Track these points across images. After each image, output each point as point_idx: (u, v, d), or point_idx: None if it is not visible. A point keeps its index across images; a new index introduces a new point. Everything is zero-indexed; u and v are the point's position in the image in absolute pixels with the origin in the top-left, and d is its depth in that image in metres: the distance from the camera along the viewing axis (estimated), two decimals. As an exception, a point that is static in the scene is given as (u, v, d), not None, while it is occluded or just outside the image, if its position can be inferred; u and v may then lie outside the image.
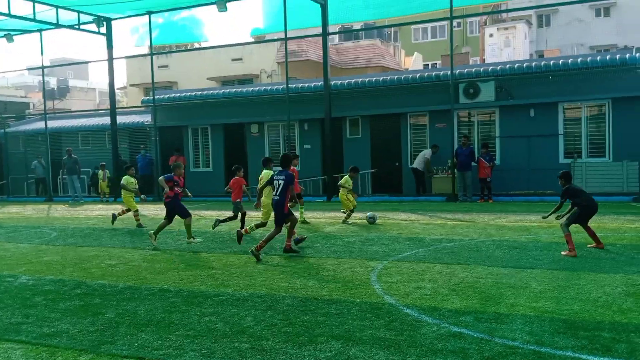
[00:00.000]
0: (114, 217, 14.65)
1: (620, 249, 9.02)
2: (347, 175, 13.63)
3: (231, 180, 12.84)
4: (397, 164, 20.37)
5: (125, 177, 14.75)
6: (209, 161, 23.54)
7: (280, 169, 9.68)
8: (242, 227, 12.07)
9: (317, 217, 14.65)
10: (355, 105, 20.70)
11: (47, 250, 11.20)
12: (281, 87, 21.73)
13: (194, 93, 23.85)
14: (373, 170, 20.56)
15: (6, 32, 24.11)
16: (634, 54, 17.41)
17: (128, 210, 14.85)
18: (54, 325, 6.15)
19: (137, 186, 14.79)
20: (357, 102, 20.66)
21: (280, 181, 9.45)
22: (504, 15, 42.62)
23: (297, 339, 5.44)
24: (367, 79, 21.00)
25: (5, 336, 5.85)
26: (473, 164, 17.87)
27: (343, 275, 7.96)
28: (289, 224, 9.68)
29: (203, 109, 23.23)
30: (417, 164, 19.23)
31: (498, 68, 18.94)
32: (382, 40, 36.18)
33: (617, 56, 17.55)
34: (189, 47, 33.09)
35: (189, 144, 23.81)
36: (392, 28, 44.06)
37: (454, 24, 22.03)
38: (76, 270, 9.09)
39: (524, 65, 18.69)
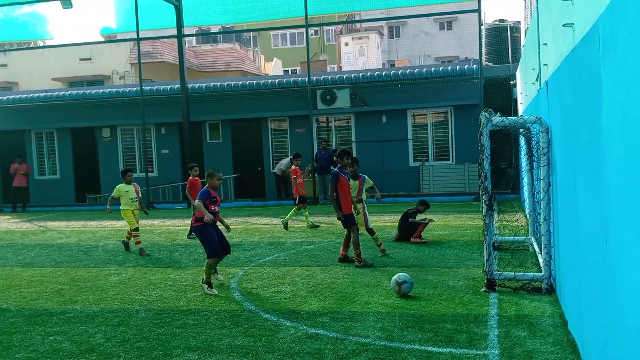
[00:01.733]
0: (126, 244, 10.78)
1: (463, 245, 9.81)
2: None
3: (188, 180, 11.79)
4: (259, 168, 20.41)
5: (118, 186, 10.66)
6: (55, 168, 21.86)
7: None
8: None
9: (176, 225, 14.22)
10: (215, 109, 20.41)
11: None
12: (135, 89, 20.79)
13: (37, 94, 22.03)
14: (235, 175, 20.42)
15: None
16: (471, 65, 19.08)
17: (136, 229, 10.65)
18: None
19: (138, 196, 10.70)
20: (217, 106, 20.39)
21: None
22: (358, 25, 44.58)
23: (151, 353, 5.22)
24: (227, 82, 20.82)
25: None
26: (332, 168, 18.43)
27: (200, 285, 7.79)
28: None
29: (48, 112, 21.51)
30: (277, 169, 19.44)
31: (352, 76, 19.74)
32: (241, 45, 36.11)
33: (457, 67, 19.13)
34: (31, 45, 30.53)
35: (32, 150, 21.93)
36: (252, 33, 44.18)
37: (311, 31, 22.59)
38: None
39: (376, 73, 19.67)
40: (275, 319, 6.07)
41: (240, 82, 20.59)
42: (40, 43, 32.02)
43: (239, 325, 5.92)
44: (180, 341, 5.49)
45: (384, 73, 19.64)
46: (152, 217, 15.97)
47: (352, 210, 8.69)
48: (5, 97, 22.25)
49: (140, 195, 10.77)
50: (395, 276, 6.73)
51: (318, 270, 8.37)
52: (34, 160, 21.80)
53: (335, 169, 8.84)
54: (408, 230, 10.29)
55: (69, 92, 21.95)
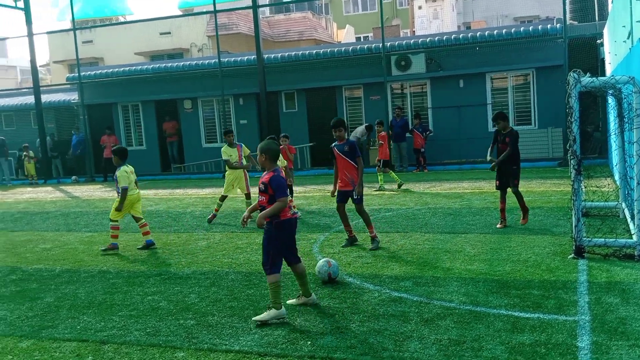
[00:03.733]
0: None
1: (547, 212, 9.55)
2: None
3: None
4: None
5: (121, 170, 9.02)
6: (142, 139, 22.91)
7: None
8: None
9: (256, 193, 14.60)
10: (290, 79, 20.60)
11: (-27, 237, 10.68)
12: (213, 61, 21.30)
13: (122, 69, 23.02)
14: (311, 144, 20.64)
15: None
16: (554, 24, 18.16)
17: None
18: (-11, 314, 5.94)
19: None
20: (292, 76, 20.57)
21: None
22: (433, -13, 43.21)
23: (243, 312, 5.50)
24: (301, 52, 20.91)
25: (-64, 328, 5.60)
26: (407, 135, 18.27)
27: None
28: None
29: (133, 85, 22.47)
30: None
31: (427, 40, 19.29)
32: (313, 13, 35.99)
33: (540, 27, 18.26)
34: (113, 21, 31.78)
35: (119, 122, 23.05)
36: (324, 0, 43.89)
37: (385, -4, 22.13)
38: (9, 256, 8.75)
39: (452, 37, 19.13)
40: (358, 283, 6.21)
41: (315, 51, 20.61)
42: (122, 19, 33.30)
43: (324, 287, 6.11)
44: (269, 301, 5.74)
45: (460, 36, 19.05)
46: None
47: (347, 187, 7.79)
48: (93, 72, 23.38)
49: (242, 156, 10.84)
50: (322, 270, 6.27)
51: (398, 236, 8.43)
52: (122, 132, 22.92)
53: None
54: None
55: (152, 66, 22.76)
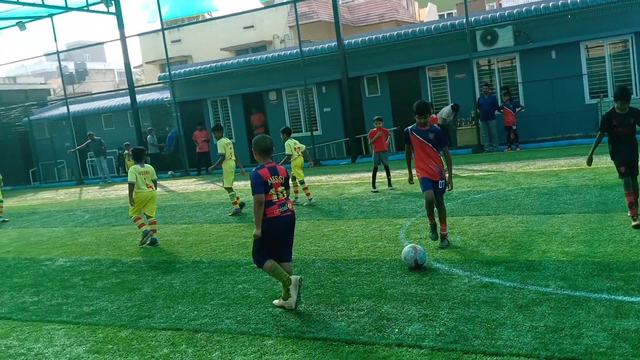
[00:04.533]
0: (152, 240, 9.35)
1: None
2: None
3: (370, 131, 12.54)
4: (418, 119, 20.12)
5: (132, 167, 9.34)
6: (231, 132, 23.59)
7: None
8: (389, 183, 12.09)
9: (342, 180, 14.65)
10: (371, 63, 20.39)
11: (81, 232, 11.46)
12: (295, 51, 21.49)
13: (210, 65, 23.76)
14: (395, 128, 20.36)
15: (18, 20, 24.21)
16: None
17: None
18: (93, 304, 6.32)
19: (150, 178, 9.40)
20: (374, 60, 20.34)
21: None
22: (519, -45, 41.10)
23: (329, 300, 5.49)
24: (382, 34, 20.59)
25: (47, 318, 6.03)
26: (497, 112, 17.55)
27: (371, 235, 7.97)
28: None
29: (220, 81, 23.16)
30: (438, 118, 18.97)
31: (515, 11, 18.36)
32: (394, -6, 35.32)
33: (640, -13, 16.86)
34: (200, 19, 32.80)
35: (209, 117, 23.85)
36: (404, -20, 42.89)
37: (467, -31, 21.28)
38: (111, 250, 9.29)
39: (541, 6, 18.06)
40: (447, 268, 6.03)
41: (396, 32, 20.23)
42: (207, 16, 34.33)
43: (411, 274, 5.98)
44: (355, 289, 5.70)
45: (550, 4, 17.97)
46: (320, 172, 16.64)
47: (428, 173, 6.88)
48: (182, 70, 24.31)
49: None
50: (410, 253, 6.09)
51: (488, 219, 8.11)
52: (212, 127, 23.68)
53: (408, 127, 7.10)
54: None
55: (237, 60, 23.32)
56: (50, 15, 24.40)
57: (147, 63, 36.09)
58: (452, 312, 4.76)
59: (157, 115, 26.36)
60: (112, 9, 23.44)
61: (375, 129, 12.19)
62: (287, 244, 5.53)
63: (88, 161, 26.72)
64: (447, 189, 6.97)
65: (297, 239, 8.29)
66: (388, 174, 12.21)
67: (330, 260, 6.92)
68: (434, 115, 13.52)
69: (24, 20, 24.31)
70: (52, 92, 39.54)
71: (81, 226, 12.24)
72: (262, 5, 29.75)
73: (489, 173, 12.65)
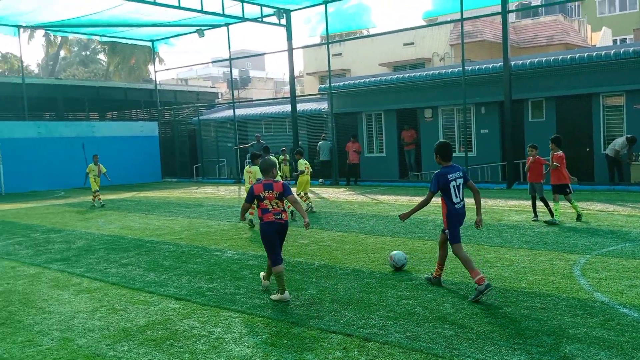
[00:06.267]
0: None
1: None
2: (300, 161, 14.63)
3: (528, 160, 11.68)
4: (587, 149, 18.76)
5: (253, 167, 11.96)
6: (382, 146, 23.76)
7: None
8: (551, 215, 11.07)
9: (498, 205, 14.07)
10: (538, 86, 19.43)
11: (244, 227, 12.15)
12: (456, 69, 21.11)
13: (368, 79, 24.16)
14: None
15: (198, 28, 26.46)
16: None
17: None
18: (263, 298, 6.65)
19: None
20: (541, 83, 19.37)
21: (459, 180, 6.73)
22: None
23: (503, 330, 5.26)
24: (553, 57, 19.54)
25: (223, 305, 6.44)
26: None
27: (541, 268, 7.53)
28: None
29: (376, 95, 23.45)
30: (610, 150, 17.57)
31: None
32: (565, 16, 33.48)
33: None
34: (357, 35, 33.55)
35: (362, 130, 24.23)
36: (577, 2, 40.49)
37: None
38: (273, 248, 9.72)
39: None
40: (636, 315, 5.50)
41: (569, 56, 19.08)
42: (365, 32, 35.00)
43: (594, 315, 5.54)
44: (531, 323, 5.41)
45: None
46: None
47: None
48: (341, 83, 24.98)
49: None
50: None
51: (679, 266, 7.29)
52: (364, 139, 24.05)
53: None
54: None
55: (395, 76, 23.47)
56: (227, 24, 26.37)
57: (308, 74, 37.62)
58: (650, 365, 4.33)
59: (312, 125, 27.34)
60: (283, 21, 24.75)
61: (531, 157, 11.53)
62: (277, 246, 6.64)
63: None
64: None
65: (458, 262, 8.06)
66: (546, 205, 11.45)
67: (498, 289, 6.63)
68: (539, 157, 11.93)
69: (203, 28, 26.53)
70: (219, 96, 42.69)
71: (244, 222, 12.97)
72: (424, 23, 29.67)
73: (672, 215, 11.41)
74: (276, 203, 6.59)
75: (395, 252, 7.94)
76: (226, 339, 5.33)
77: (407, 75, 23.06)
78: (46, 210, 17.06)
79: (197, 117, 31.05)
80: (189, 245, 10.30)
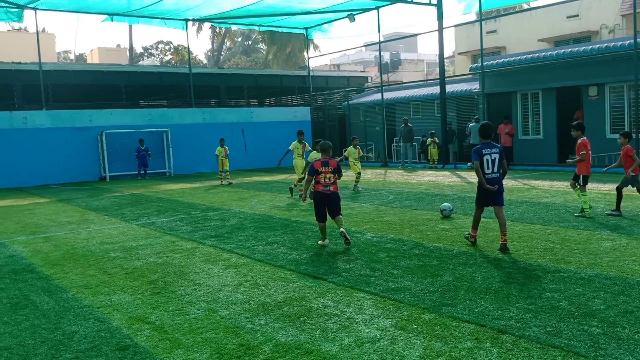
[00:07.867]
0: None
1: None
2: (351, 146, 16.05)
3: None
4: None
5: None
6: (539, 128, 22.26)
7: (483, 142, 7.96)
8: (617, 207, 10.26)
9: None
10: None
11: (385, 211, 12.16)
12: (627, 42, 19.03)
13: (524, 57, 22.68)
14: None
15: (349, 12, 26.72)
16: None
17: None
18: (398, 282, 6.59)
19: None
20: None
21: (494, 155, 7.87)
22: None
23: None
24: None
25: (357, 286, 6.50)
26: None
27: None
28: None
29: (533, 73, 21.96)
30: None
31: None
32: None
33: None
34: (517, 9, 31.57)
35: (517, 111, 22.89)
36: None
37: None
38: (413, 232, 9.61)
39: None
40: None
41: None
42: (525, 6, 32.84)
43: None
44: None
45: None
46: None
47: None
48: (494, 62, 23.76)
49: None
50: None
51: None
52: (519, 121, 22.72)
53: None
54: None
55: (555, 52, 21.78)
56: (377, 7, 26.32)
57: (459, 54, 36.39)
58: None
59: (462, 106, 26.43)
60: (434, 0, 24.12)
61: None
62: (332, 208, 8.57)
63: (394, 145, 28.32)
64: None
65: (616, 254, 7.33)
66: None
67: (661, 286, 5.91)
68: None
69: (354, 13, 26.75)
70: (369, 80, 42.96)
71: (386, 205, 12.99)
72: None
73: None
74: (329, 177, 8.50)
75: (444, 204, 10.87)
76: (357, 320, 5.38)
77: (569, 50, 21.28)
78: (207, 191, 18.52)
79: (346, 102, 31.56)
80: (329, 227, 10.52)
